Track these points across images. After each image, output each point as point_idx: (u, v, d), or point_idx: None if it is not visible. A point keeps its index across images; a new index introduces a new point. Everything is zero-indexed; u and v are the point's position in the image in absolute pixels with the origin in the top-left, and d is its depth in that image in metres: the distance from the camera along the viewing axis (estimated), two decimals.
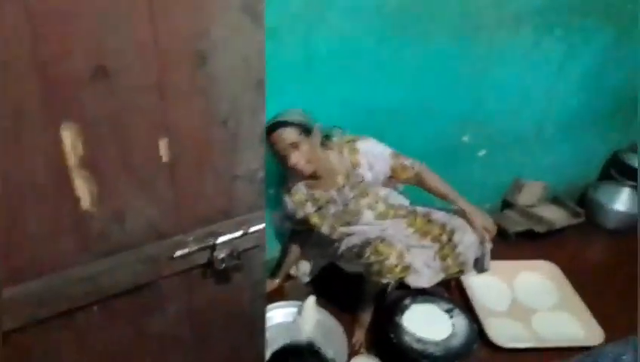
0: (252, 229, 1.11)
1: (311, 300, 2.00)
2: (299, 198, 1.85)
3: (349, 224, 1.88)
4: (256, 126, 1.01)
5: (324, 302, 2.03)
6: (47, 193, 0.85)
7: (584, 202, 2.73)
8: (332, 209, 1.85)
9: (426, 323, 1.87)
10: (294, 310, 2.03)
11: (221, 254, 1.08)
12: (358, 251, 1.81)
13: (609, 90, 2.44)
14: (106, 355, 1.12)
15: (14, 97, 0.75)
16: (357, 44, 1.77)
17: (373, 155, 1.83)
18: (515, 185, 2.57)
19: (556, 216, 2.57)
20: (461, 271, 1.87)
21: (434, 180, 1.84)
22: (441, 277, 1.86)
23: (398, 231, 1.89)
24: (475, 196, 2.47)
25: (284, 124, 1.66)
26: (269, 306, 2.00)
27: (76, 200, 0.89)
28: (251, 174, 1.07)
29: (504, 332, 1.97)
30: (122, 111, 0.84)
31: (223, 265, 1.10)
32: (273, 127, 1.66)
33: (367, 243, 1.79)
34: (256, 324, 1.37)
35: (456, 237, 1.83)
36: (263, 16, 0.89)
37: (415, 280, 1.85)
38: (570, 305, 2.16)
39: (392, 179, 1.89)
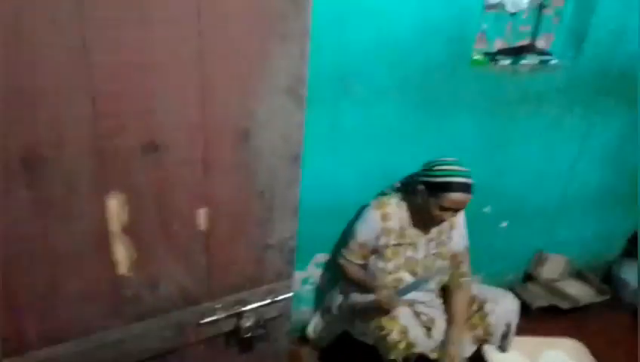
0: (279, 297, 1.12)
1: None
2: (389, 226, 1.79)
3: (415, 275, 1.83)
4: (290, 197, 1.04)
5: None
6: (87, 257, 0.88)
7: (609, 278, 2.66)
8: (409, 252, 1.83)
9: None
10: None
11: (247, 322, 1.09)
12: (366, 318, 1.80)
13: (629, 168, 2.45)
14: None
15: (70, 167, 0.79)
16: (381, 117, 1.83)
17: (463, 230, 1.87)
18: (538, 258, 2.54)
19: (581, 292, 2.51)
20: (486, 341, 1.83)
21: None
22: (473, 349, 1.83)
23: (432, 303, 1.89)
24: (497, 267, 2.45)
25: (465, 187, 1.65)
26: None
27: (114, 265, 0.91)
28: (283, 243, 1.09)
29: None
30: (167, 183, 0.88)
31: (249, 333, 1.10)
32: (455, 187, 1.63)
33: (372, 309, 1.77)
34: None
35: (487, 307, 1.82)
36: (305, 98, 0.95)
37: (441, 354, 1.80)
38: None
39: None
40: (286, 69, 0.90)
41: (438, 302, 1.92)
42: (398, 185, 1.88)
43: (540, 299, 2.46)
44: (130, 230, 0.89)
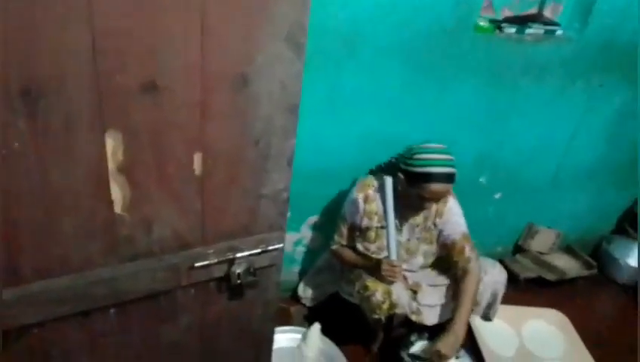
0: (270, 247, 1.14)
1: (316, 327, 2.00)
2: (371, 209, 1.80)
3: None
4: (286, 148, 1.05)
5: (329, 330, 2.03)
6: (84, 194, 0.90)
7: (597, 254, 2.71)
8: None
9: None
10: (298, 336, 2.03)
11: (238, 269, 1.11)
12: (353, 279, 1.85)
13: (627, 144, 2.46)
14: (116, 359, 1.14)
15: (69, 102, 0.80)
16: (382, 83, 1.82)
17: (454, 218, 1.83)
18: (529, 231, 2.57)
19: (568, 265, 2.56)
20: (473, 310, 1.87)
21: (470, 288, 1.76)
22: (446, 317, 1.87)
23: (421, 275, 1.93)
24: (488, 238, 2.49)
25: (444, 178, 1.63)
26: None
27: (109, 204, 0.93)
28: (276, 194, 1.10)
29: None
30: (164, 124, 0.89)
31: (239, 280, 1.12)
32: (430, 177, 1.62)
33: (359, 274, 1.81)
34: (264, 344, 1.39)
35: None
36: (304, 47, 0.95)
37: (420, 318, 1.85)
38: (577, 357, 2.13)
39: (442, 251, 1.89)
40: (286, 16, 0.89)
41: (428, 271, 1.96)
42: (383, 165, 1.88)
43: (527, 271, 2.51)
44: (126, 170, 0.90)
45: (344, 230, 1.87)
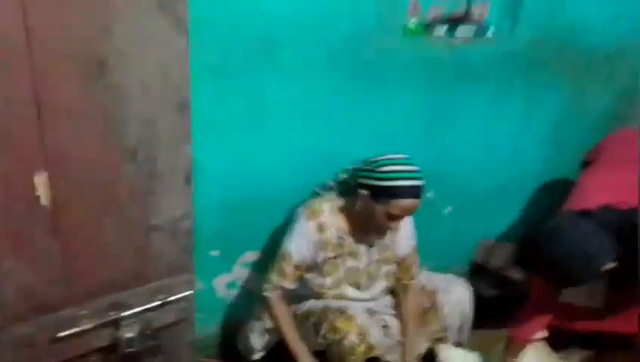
0: (173, 297, 0.86)
1: None
2: (326, 238, 1.52)
3: (358, 287, 1.60)
4: (179, 160, 0.79)
5: None
6: None
7: None
8: (349, 263, 1.58)
9: None
10: None
11: (129, 333, 0.81)
12: (316, 322, 1.54)
13: (571, 144, 2.38)
14: None
15: None
16: (309, 93, 1.62)
17: (407, 231, 1.63)
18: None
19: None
20: (441, 339, 1.64)
21: (412, 305, 1.63)
22: (425, 347, 1.65)
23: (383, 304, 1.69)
24: (442, 257, 2.29)
25: (415, 192, 1.41)
26: None
27: None
28: (173, 224, 0.83)
29: None
30: None
31: (131, 348, 0.82)
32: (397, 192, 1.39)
33: (324, 314, 1.52)
34: None
35: (439, 298, 1.63)
36: (186, 19, 0.70)
37: (394, 357, 1.60)
38: None
39: None
40: None
41: (388, 299, 1.72)
42: (332, 184, 1.62)
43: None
44: None
45: (287, 269, 1.53)
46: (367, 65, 1.66)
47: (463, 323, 1.73)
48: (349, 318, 1.47)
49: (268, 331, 1.84)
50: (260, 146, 1.63)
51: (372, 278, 1.63)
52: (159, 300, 0.83)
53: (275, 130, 1.62)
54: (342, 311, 1.50)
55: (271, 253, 1.83)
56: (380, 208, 1.43)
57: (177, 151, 0.77)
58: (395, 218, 1.44)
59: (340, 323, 1.46)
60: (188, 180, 0.81)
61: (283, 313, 1.56)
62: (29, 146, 0.64)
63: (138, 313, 0.82)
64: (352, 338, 1.43)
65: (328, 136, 1.72)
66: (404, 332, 1.60)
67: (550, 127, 2.26)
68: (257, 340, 1.86)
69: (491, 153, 2.17)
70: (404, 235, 1.63)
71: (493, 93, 1.99)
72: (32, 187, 0.66)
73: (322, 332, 1.49)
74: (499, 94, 2.01)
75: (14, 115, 0.61)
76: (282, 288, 1.54)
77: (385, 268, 1.65)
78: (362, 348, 1.44)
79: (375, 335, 1.50)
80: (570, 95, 2.21)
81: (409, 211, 1.45)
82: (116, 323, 0.80)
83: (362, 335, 1.44)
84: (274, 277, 1.54)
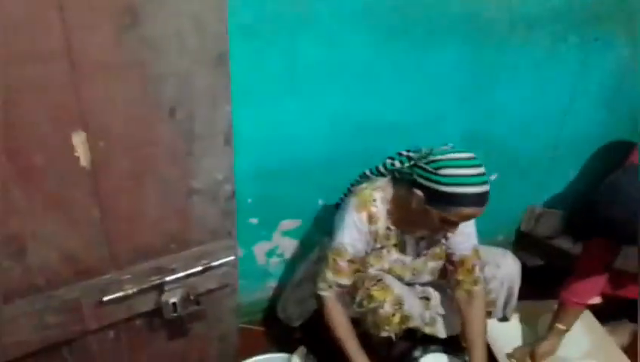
0: (216, 263, 0.83)
1: (300, 352, 1.68)
2: (376, 229, 1.41)
3: (402, 280, 1.50)
4: (218, 120, 0.74)
5: (318, 353, 1.71)
6: None
7: None
8: (395, 255, 1.49)
9: None
10: None
11: (172, 298, 0.79)
12: (350, 294, 1.46)
13: (626, 109, 2.22)
14: None
15: None
16: (348, 53, 1.53)
17: (467, 228, 1.47)
18: (531, 214, 2.30)
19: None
20: (488, 313, 1.58)
21: (479, 317, 1.47)
22: (458, 330, 1.57)
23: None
24: (487, 226, 2.20)
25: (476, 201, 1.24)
26: (250, 360, 1.68)
27: None
28: (214, 188, 0.79)
29: None
30: (12, 90, 0.58)
31: (176, 312, 0.81)
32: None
33: (360, 281, 1.44)
34: None
35: (487, 272, 1.55)
36: None
37: (433, 330, 1.56)
38: (605, 352, 1.85)
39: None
40: None
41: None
42: (382, 169, 1.47)
43: (535, 259, 2.24)
44: None
45: (342, 264, 1.40)
46: (409, 22, 1.57)
47: (509, 299, 1.64)
48: (386, 287, 1.40)
49: (307, 299, 1.84)
50: (296, 110, 1.57)
51: (417, 273, 1.52)
52: (201, 265, 0.81)
53: (311, 93, 1.56)
54: (379, 279, 1.43)
55: (309, 220, 1.81)
56: (436, 213, 1.26)
57: (216, 111, 0.73)
58: (453, 224, 1.28)
59: (376, 292, 1.39)
60: (228, 141, 0.77)
61: (339, 315, 1.43)
62: (65, 103, 0.61)
63: (181, 278, 0.80)
64: (387, 307, 1.36)
65: (368, 101, 1.64)
66: (469, 347, 1.47)
67: (606, 87, 2.09)
68: (296, 308, 1.86)
69: (541, 115, 2.03)
70: (461, 231, 1.42)
71: (545, 50, 1.85)
72: (71, 148, 0.64)
73: (358, 299, 1.42)
74: (551, 51, 1.87)
75: (48, 70, 0.58)
76: (338, 285, 1.42)
77: (432, 264, 1.53)
78: (397, 318, 1.38)
79: (413, 307, 1.44)
80: (629, 53, 2.03)
81: (470, 218, 1.28)
82: (159, 288, 0.79)
83: (398, 305, 1.38)
84: (329, 275, 1.41)
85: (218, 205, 0.81)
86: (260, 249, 1.80)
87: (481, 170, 1.26)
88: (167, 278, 0.78)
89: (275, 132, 1.57)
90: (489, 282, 1.56)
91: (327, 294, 1.41)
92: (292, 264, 1.87)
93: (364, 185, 1.44)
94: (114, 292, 0.74)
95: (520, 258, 2.03)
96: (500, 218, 2.27)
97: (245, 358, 1.67)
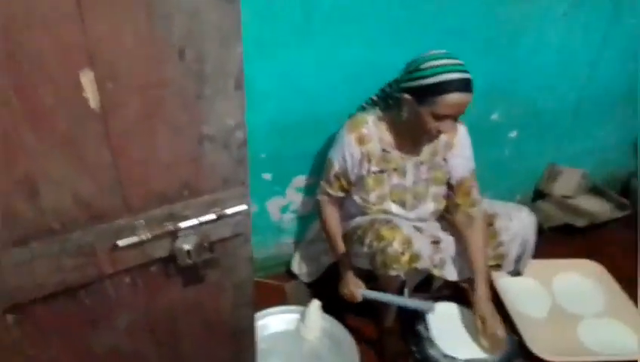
0: (229, 211, 0.82)
1: (315, 305, 1.70)
2: (367, 150, 1.47)
3: (403, 205, 1.55)
4: (229, 61, 0.71)
5: (331, 307, 1.73)
6: None
7: (627, 192, 2.40)
8: (395, 179, 1.52)
9: (455, 334, 1.57)
10: (296, 316, 1.73)
11: (186, 244, 0.79)
12: (361, 234, 1.49)
13: None
14: None
15: None
16: None
17: (465, 151, 1.54)
18: (550, 173, 2.25)
19: (598, 208, 2.24)
20: (498, 266, 1.58)
21: (479, 238, 1.52)
22: (466, 274, 1.59)
23: (434, 226, 1.63)
24: (505, 184, 2.17)
25: (465, 85, 1.29)
26: (265, 312, 1.71)
27: None
28: (226, 134, 0.77)
29: (547, 344, 1.65)
30: (18, 21, 0.55)
31: (190, 259, 0.81)
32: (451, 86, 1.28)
33: (370, 225, 1.47)
34: (243, 337, 1.08)
35: (498, 224, 1.55)
36: None
37: (442, 272, 1.57)
38: (620, 311, 1.84)
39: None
40: None
41: (438, 225, 1.65)
42: (376, 98, 1.53)
43: (552, 218, 2.20)
44: None
45: (331, 177, 1.54)
46: None
47: (523, 253, 1.62)
48: (395, 227, 1.41)
49: (320, 256, 1.84)
50: (311, 61, 1.53)
51: (419, 198, 1.55)
52: (214, 213, 0.80)
53: (327, 43, 1.51)
54: (388, 221, 1.45)
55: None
56: (427, 110, 1.32)
57: (227, 52, 0.70)
58: (446, 118, 1.32)
59: (385, 231, 1.40)
60: (239, 85, 0.74)
61: (329, 216, 1.59)
62: (71, 40, 0.59)
63: (194, 225, 0.79)
64: (396, 246, 1.37)
65: (387, 48, 1.59)
66: (473, 269, 1.52)
67: (636, 39, 1.99)
68: (310, 265, 1.88)
69: (565, 69, 1.96)
70: (460, 154, 1.51)
71: None
72: (80, 88, 0.62)
73: (367, 241, 1.44)
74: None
75: (51, 1, 0.56)
76: (329, 194, 1.57)
77: (434, 189, 1.55)
78: (406, 256, 1.38)
79: (422, 248, 1.44)
80: None
81: (459, 108, 1.32)
82: (173, 235, 0.78)
83: (407, 244, 1.39)
84: (322, 183, 1.58)
85: (230, 152, 0.79)
86: (273, 205, 1.80)
87: (459, 61, 1.33)
88: (181, 225, 0.78)
89: (290, 84, 1.54)
90: (500, 234, 1.56)
91: (321, 198, 1.59)
92: (306, 220, 1.88)
93: (358, 112, 1.53)
94: (128, 237, 0.74)
95: (538, 218, 2.00)
96: (519, 177, 2.24)
97: (261, 310, 1.71)
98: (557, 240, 2.16)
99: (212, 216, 0.81)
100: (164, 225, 0.77)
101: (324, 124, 1.66)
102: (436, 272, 1.54)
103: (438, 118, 1.32)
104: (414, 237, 1.41)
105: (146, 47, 0.64)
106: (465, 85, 1.29)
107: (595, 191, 2.34)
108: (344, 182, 1.53)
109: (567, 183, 2.25)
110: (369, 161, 1.47)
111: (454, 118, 1.34)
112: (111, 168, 0.70)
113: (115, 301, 0.82)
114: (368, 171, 1.48)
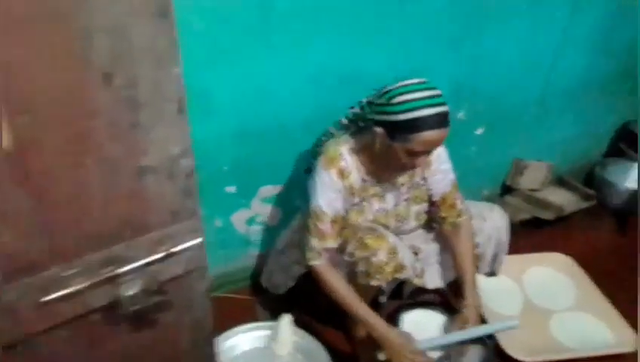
0: (180, 247, 0.73)
1: (286, 320, 1.63)
2: (350, 183, 1.36)
3: (386, 227, 1.47)
4: (167, 84, 0.62)
5: (304, 320, 1.66)
6: None
7: (591, 182, 2.42)
8: (376, 205, 1.45)
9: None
10: (266, 333, 1.66)
11: (130, 290, 0.70)
12: (341, 245, 1.41)
13: (617, 52, 2.13)
14: None
15: None
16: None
17: (443, 165, 1.46)
18: (517, 167, 2.24)
19: (564, 199, 2.25)
20: (475, 268, 1.55)
21: (467, 248, 1.47)
22: (453, 275, 1.55)
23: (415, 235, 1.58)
24: (473, 181, 2.14)
25: (439, 121, 1.20)
26: (234, 330, 1.63)
27: None
28: (170, 163, 0.68)
29: (521, 343, 1.64)
30: None
31: (136, 305, 0.72)
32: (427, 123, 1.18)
33: (352, 232, 1.39)
34: None
35: (474, 224, 1.51)
36: None
37: (422, 281, 1.53)
38: (592, 304, 1.85)
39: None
40: None
41: (421, 232, 1.60)
42: (345, 122, 1.41)
43: (521, 212, 2.20)
44: None
45: (325, 228, 1.35)
46: None
47: (498, 253, 1.61)
48: (380, 236, 1.35)
49: (291, 266, 1.77)
50: (272, 66, 1.44)
51: (401, 219, 1.49)
52: (162, 251, 0.71)
53: (288, 46, 1.43)
54: (373, 229, 1.38)
55: (290, 185, 1.72)
56: (399, 146, 1.22)
57: (163, 73, 0.61)
58: (420, 154, 1.25)
59: (370, 240, 1.34)
60: (181, 109, 0.65)
61: (339, 281, 1.38)
62: None
63: (139, 267, 0.70)
64: (381, 255, 1.31)
65: (350, 51, 1.52)
66: (461, 276, 1.48)
67: (597, 32, 1.99)
68: (281, 276, 1.79)
69: (529, 64, 1.94)
70: (438, 169, 1.44)
71: None
72: None
73: (349, 249, 1.37)
74: None
75: None
76: (327, 250, 1.37)
77: (415, 208, 1.49)
78: (390, 267, 1.33)
79: (405, 257, 1.39)
80: None
81: (435, 144, 1.24)
82: (114, 281, 0.69)
83: (392, 254, 1.33)
84: (314, 242, 1.36)
85: (176, 183, 0.70)
86: (238, 217, 1.71)
87: (436, 91, 1.21)
88: (123, 269, 0.69)
89: (251, 91, 1.45)
90: (475, 236, 1.52)
91: (319, 262, 1.37)
92: (274, 231, 1.80)
93: (329, 142, 1.38)
94: (59, 290, 0.65)
95: (506, 213, 1.98)
96: (486, 172, 2.22)
97: (230, 327, 1.62)
98: (526, 234, 2.15)
99: (160, 255, 0.72)
100: (102, 271, 0.68)
101: (289, 131, 1.58)
102: (417, 281, 1.50)
103: (413, 154, 1.23)
104: (399, 247, 1.36)
105: (65, 72, 0.55)
106: (441, 121, 1.20)
107: (561, 183, 2.35)
108: (341, 226, 1.38)
109: (533, 177, 2.24)
110: (352, 194, 1.38)
111: (428, 153, 1.26)
112: (32, 212, 0.60)
113: (51, 357, 0.72)
114: (351, 205, 1.40)
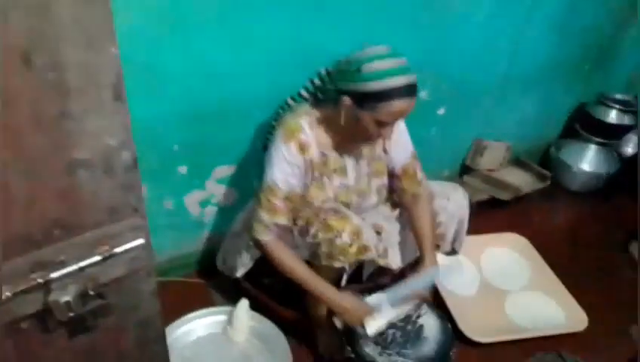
0: (120, 249, 0.66)
1: (243, 305, 1.58)
2: (309, 158, 1.32)
3: (348, 206, 1.43)
4: (101, 67, 0.54)
5: (262, 304, 1.62)
6: None
7: (547, 163, 2.47)
8: (336, 181, 1.40)
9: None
10: (223, 318, 1.61)
11: (64, 296, 0.63)
12: (304, 224, 1.37)
13: (577, 34, 2.15)
14: None
15: None
16: None
17: (403, 137, 1.44)
18: (477, 148, 2.25)
19: (521, 180, 2.29)
20: (436, 246, 1.55)
21: (425, 215, 1.48)
22: (409, 258, 1.54)
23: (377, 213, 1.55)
24: (433, 162, 2.13)
25: (409, 91, 1.18)
26: (189, 316, 1.58)
27: None
28: (107, 156, 0.60)
29: (477, 323, 1.67)
30: None
31: (73, 312, 0.64)
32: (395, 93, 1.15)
33: (315, 214, 1.35)
34: None
35: (436, 204, 1.51)
36: None
37: (386, 261, 1.50)
38: (544, 283, 1.90)
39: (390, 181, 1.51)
40: None
41: (384, 209, 1.58)
42: (305, 93, 1.36)
43: (479, 193, 2.22)
44: None
45: (277, 203, 1.30)
46: None
47: (459, 232, 1.62)
48: (344, 217, 1.32)
49: (247, 249, 1.71)
50: (227, 41, 1.36)
51: (363, 195, 1.46)
52: (100, 253, 0.64)
53: (244, 21, 1.35)
54: (336, 211, 1.34)
55: (245, 165, 1.65)
56: (368, 115, 1.20)
57: (96, 55, 0.53)
58: (387, 124, 1.23)
59: (334, 221, 1.30)
60: (119, 96, 0.57)
61: (289, 256, 1.34)
62: None
63: (73, 271, 0.63)
64: (345, 237, 1.28)
65: (310, 27, 1.45)
66: (419, 239, 1.49)
67: (559, 14, 1.99)
68: (237, 258, 1.73)
69: (491, 44, 1.92)
70: (397, 141, 1.43)
71: None
72: None
73: (312, 231, 1.32)
74: None
75: None
76: (277, 225, 1.32)
77: (376, 182, 1.47)
78: (354, 248, 1.30)
79: (369, 238, 1.37)
80: None
81: (403, 114, 1.22)
82: (44, 287, 0.61)
83: (356, 234, 1.30)
84: (264, 216, 1.30)
85: (114, 178, 0.62)
86: (192, 199, 1.63)
87: (403, 60, 1.19)
88: (53, 275, 0.61)
89: (204, 67, 1.37)
90: (438, 215, 1.52)
91: (267, 237, 1.31)
92: (230, 213, 1.73)
93: (287, 114, 1.32)
94: None
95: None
96: (447, 152, 2.22)
97: (185, 313, 1.57)
98: (483, 214, 2.17)
99: (97, 258, 0.64)
100: (30, 277, 0.60)
101: (244, 110, 1.51)
102: (381, 262, 1.48)
103: (381, 124, 1.21)
104: (363, 228, 1.33)
105: None
106: (410, 90, 1.18)
107: (518, 163, 2.38)
108: (295, 202, 1.33)
109: (492, 157, 2.26)
110: (312, 169, 1.33)
111: (393, 123, 1.24)
112: None
113: None
114: (311, 180, 1.35)
